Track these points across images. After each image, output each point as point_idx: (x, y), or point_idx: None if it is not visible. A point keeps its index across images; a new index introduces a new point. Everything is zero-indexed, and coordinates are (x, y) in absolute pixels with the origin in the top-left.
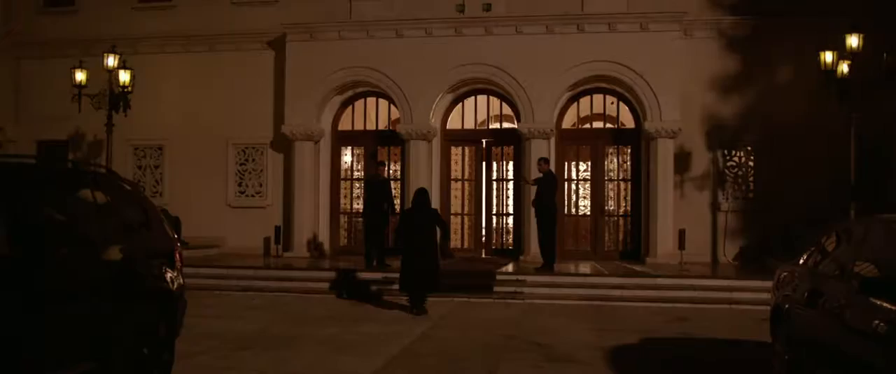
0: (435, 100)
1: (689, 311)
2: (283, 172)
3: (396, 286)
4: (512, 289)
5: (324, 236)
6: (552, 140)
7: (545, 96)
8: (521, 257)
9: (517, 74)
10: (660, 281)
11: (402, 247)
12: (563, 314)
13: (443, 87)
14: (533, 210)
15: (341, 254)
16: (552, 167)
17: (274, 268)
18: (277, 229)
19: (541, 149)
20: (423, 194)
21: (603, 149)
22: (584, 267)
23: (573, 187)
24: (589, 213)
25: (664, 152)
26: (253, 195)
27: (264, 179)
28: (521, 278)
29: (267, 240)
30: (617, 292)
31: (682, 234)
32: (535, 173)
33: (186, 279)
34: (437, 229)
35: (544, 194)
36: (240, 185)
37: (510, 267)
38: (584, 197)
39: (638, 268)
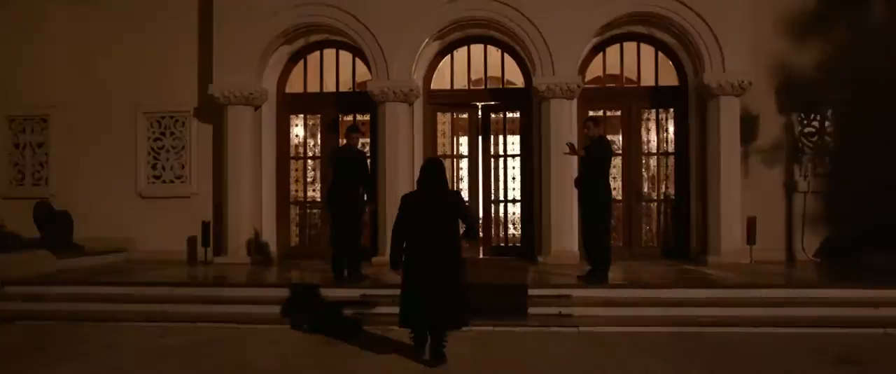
0: (418, 49)
1: (833, 341)
2: (212, 150)
3: (382, 310)
4: (554, 310)
5: (269, 235)
6: (574, 102)
7: (569, 40)
8: (540, 259)
9: (530, 8)
10: (765, 294)
11: (397, 254)
12: (647, 350)
13: (428, 31)
14: (575, 194)
15: (293, 258)
16: (573, 137)
17: (199, 284)
18: (205, 225)
19: (562, 112)
20: (435, 167)
21: (638, 113)
22: (631, 271)
23: None
24: (620, 198)
25: (729, 115)
26: (172, 181)
27: (187, 160)
28: (564, 293)
29: (192, 241)
30: (708, 313)
31: (751, 223)
32: (569, 142)
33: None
34: (460, 225)
35: (593, 169)
36: (154, 167)
37: (540, 275)
38: (613, 177)
39: (710, 271)
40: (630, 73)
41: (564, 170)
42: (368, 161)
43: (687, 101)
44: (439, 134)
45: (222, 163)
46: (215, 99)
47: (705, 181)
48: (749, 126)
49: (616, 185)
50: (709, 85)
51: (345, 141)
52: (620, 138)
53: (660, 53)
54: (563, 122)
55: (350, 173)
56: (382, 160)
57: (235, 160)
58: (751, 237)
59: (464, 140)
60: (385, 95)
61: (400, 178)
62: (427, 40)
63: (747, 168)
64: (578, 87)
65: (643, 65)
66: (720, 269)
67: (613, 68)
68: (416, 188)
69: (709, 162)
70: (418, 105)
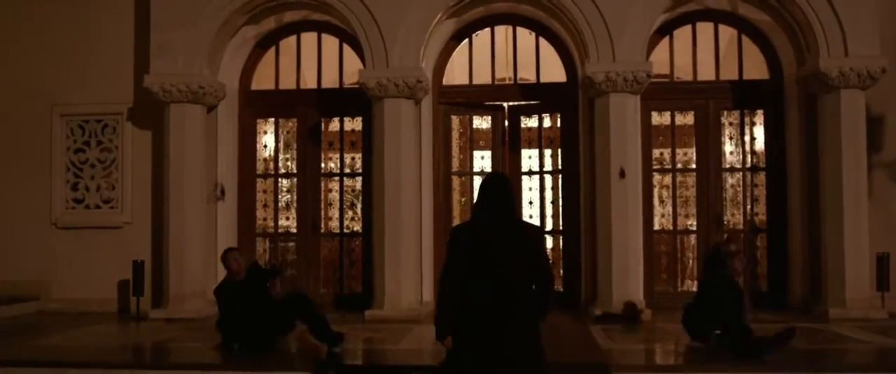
0: (427, 28)
1: None
2: (152, 165)
3: None
4: None
5: None
6: (638, 100)
7: (633, 12)
8: (595, 311)
9: None
10: None
11: (447, 319)
12: None
13: (440, 6)
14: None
15: None
16: (632, 148)
17: (125, 366)
18: (138, 267)
19: (625, 112)
20: (500, 184)
21: (716, 115)
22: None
23: (663, 181)
24: (694, 227)
25: (852, 114)
26: (98, 207)
27: (119, 178)
28: None
29: (125, 286)
30: None
31: (883, 262)
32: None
33: None
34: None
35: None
36: (75, 188)
37: (613, 342)
38: (685, 201)
39: (862, 337)
40: (704, 65)
41: (626, 192)
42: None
43: (783, 99)
44: (455, 142)
45: (164, 181)
46: (152, 94)
47: (815, 205)
48: (870, 132)
49: (687, 210)
50: (826, 73)
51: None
52: (693, 150)
53: (744, 37)
54: (628, 125)
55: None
56: (379, 177)
57: (179, 177)
58: (882, 281)
59: (486, 153)
60: (383, 89)
61: (403, 202)
62: (439, 16)
63: (871, 187)
64: (648, 76)
65: (724, 52)
66: (860, 329)
67: (683, 56)
68: (474, 217)
69: (823, 179)
70: (426, 105)
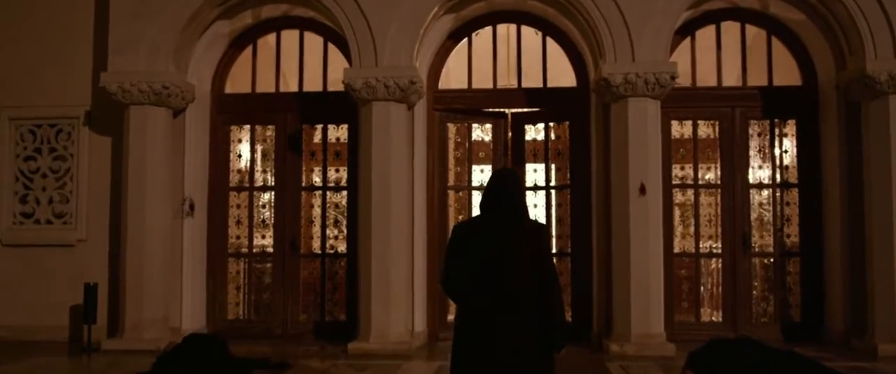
0: (423, 22)
1: None
2: (111, 175)
3: None
4: None
5: (195, 303)
6: (659, 107)
7: (656, 8)
8: (613, 347)
9: None
10: None
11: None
12: None
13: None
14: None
15: (233, 337)
16: (653, 160)
17: None
18: (90, 291)
19: (645, 119)
20: (509, 179)
21: (743, 125)
22: None
23: (684, 199)
24: (719, 250)
25: None
26: (50, 222)
27: (74, 189)
28: None
29: (77, 311)
30: None
31: None
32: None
33: None
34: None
35: None
36: (24, 200)
37: None
38: (709, 221)
39: None
40: (729, 69)
41: (647, 210)
42: None
43: (818, 107)
44: (451, 154)
45: (122, 193)
46: (110, 94)
47: (857, 226)
48: None
49: (710, 231)
50: (873, 77)
51: None
52: (720, 159)
53: (774, 38)
54: (648, 134)
55: None
56: (365, 190)
57: (139, 189)
58: None
59: (486, 166)
60: (372, 91)
61: (392, 219)
62: (436, 10)
63: None
64: (672, 78)
65: (751, 55)
66: None
67: (706, 60)
68: (479, 216)
69: (868, 197)
70: (420, 111)
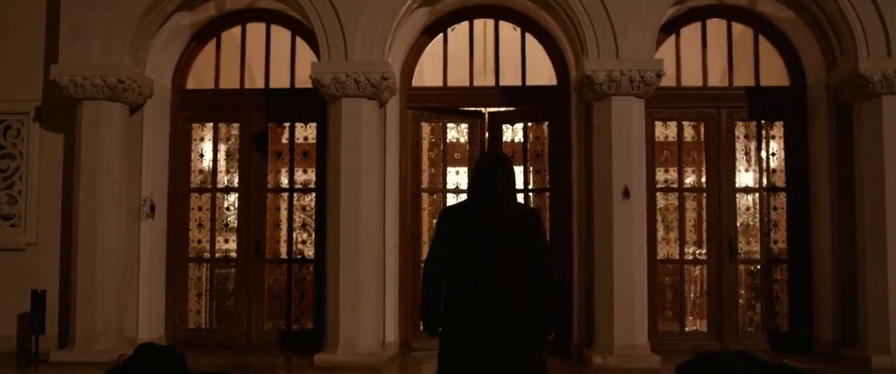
0: (395, 18)
1: None
2: (62, 175)
3: None
4: None
5: (152, 311)
6: (643, 106)
7: (641, 3)
8: (595, 358)
9: None
10: None
11: (433, 310)
12: None
13: None
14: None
15: (194, 346)
16: (637, 162)
17: None
18: (38, 298)
19: (630, 118)
20: (498, 163)
21: (729, 126)
22: None
23: (667, 203)
24: (704, 257)
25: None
26: None
27: (23, 189)
28: None
29: (25, 320)
30: None
31: None
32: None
33: None
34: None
35: None
36: None
37: None
38: (694, 226)
39: None
40: (715, 69)
41: (632, 214)
42: None
43: (806, 108)
44: (424, 154)
45: (74, 195)
46: (61, 88)
47: (848, 232)
48: None
49: (695, 236)
50: (866, 76)
51: None
52: (705, 162)
53: (761, 37)
54: (633, 134)
55: None
56: (334, 192)
57: (91, 189)
58: None
59: (461, 168)
60: (341, 86)
61: (362, 222)
62: (409, 2)
63: None
64: (658, 76)
65: (737, 54)
66: None
67: (691, 59)
68: (467, 201)
69: (860, 201)
70: (393, 109)
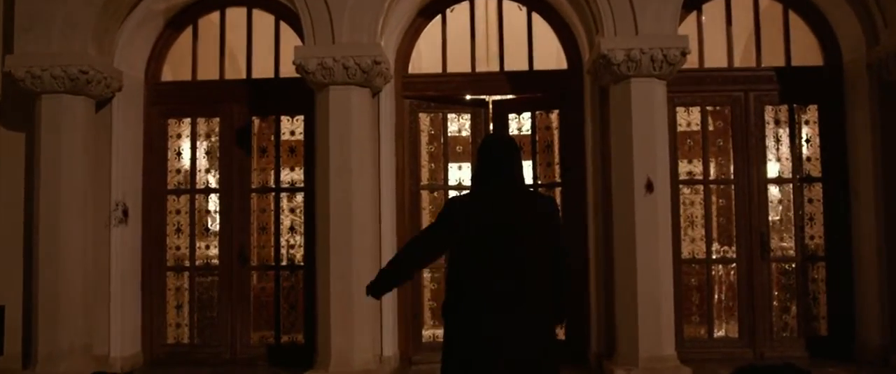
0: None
1: None
2: (25, 176)
3: None
4: None
5: (126, 326)
6: (664, 86)
7: None
8: (614, 370)
9: None
10: None
11: (393, 269)
12: None
13: None
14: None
15: (171, 364)
16: (661, 151)
17: None
18: None
19: (652, 102)
20: (505, 147)
21: (757, 112)
22: None
23: (692, 197)
24: (733, 255)
25: None
26: None
27: None
28: None
29: None
30: None
31: None
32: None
33: None
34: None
35: None
36: None
37: None
38: (721, 223)
39: None
40: (742, 48)
41: (656, 210)
42: None
43: (843, 90)
44: (423, 148)
45: (34, 196)
46: (18, 80)
47: (895, 224)
48: None
49: (723, 233)
50: None
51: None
52: (732, 151)
53: (791, 12)
54: (655, 120)
55: None
56: (323, 191)
57: (53, 192)
58: None
59: (464, 164)
60: (328, 73)
61: (355, 225)
62: None
63: None
64: (683, 55)
65: (765, 31)
66: None
67: (714, 37)
68: (475, 188)
69: None
70: (387, 98)
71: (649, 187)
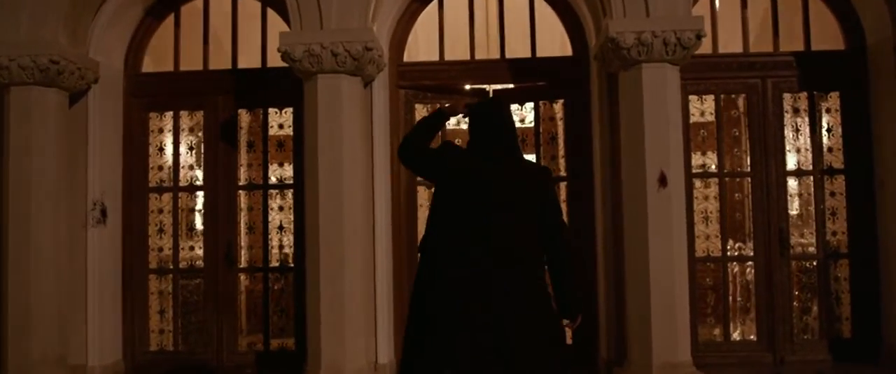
0: None
1: None
2: None
3: None
4: None
5: (105, 334)
6: (677, 71)
7: None
8: None
9: None
10: None
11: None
12: None
13: None
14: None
15: (159, 373)
16: (675, 141)
17: None
18: None
19: (664, 89)
20: (500, 111)
21: (775, 99)
22: None
23: (706, 191)
24: (751, 253)
25: None
26: None
27: None
28: None
29: None
30: None
31: None
32: (675, 168)
33: None
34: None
35: None
36: None
37: None
38: (737, 218)
39: None
40: (758, 32)
41: (670, 206)
42: None
43: (866, 75)
44: None
45: (3, 198)
46: None
47: None
48: None
49: (739, 229)
50: None
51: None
52: (748, 142)
53: None
54: (668, 108)
55: None
56: (312, 187)
57: (23, 190)
58: None
59: None
60: (316, 60)
61: (346, 223)
62: None
63: None
64: (699, 38)
65: (782, 13)
66: None
67: (729, 20)
68: (465, 148)
69: None
70: (380, 88)
71: (663, 180)
